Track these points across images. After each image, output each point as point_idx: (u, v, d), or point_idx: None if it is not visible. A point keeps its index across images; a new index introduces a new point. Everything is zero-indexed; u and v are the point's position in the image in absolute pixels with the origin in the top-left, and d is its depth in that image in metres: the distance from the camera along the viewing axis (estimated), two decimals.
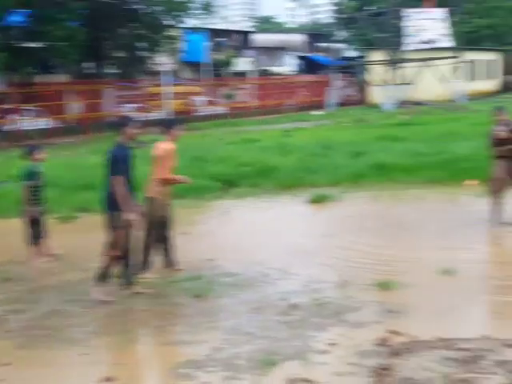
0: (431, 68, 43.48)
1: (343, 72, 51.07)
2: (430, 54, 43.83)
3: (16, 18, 28.93)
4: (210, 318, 6.81)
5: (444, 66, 43.96)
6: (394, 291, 7.32)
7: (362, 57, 58.53)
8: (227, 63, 53.58)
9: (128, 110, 31.97)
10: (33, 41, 30.65)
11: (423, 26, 43.18)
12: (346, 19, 56.88)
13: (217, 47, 55.11)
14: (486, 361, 5.33)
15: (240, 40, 58.35)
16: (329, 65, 51.58)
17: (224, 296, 7.53)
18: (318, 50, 70.46)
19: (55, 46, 30.28)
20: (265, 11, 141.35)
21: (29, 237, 9.12)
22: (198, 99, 39.54)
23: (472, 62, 51.84)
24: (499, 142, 10.28)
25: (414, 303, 6.89)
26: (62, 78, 36.90)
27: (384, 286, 7.41)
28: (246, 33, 66.43)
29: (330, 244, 9.80)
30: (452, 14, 46.13)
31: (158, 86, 36.12)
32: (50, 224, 9.57)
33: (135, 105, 34.04)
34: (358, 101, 54.32)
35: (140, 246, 7.96)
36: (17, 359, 5.95)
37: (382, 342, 5.81)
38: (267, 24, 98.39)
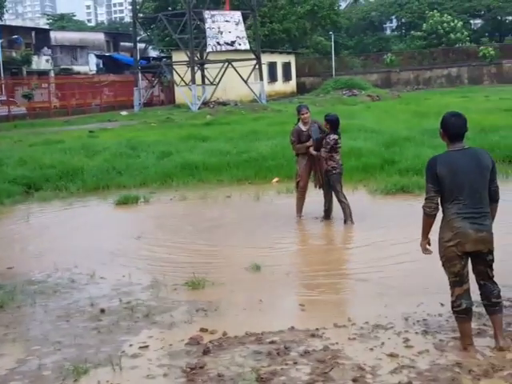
0: (233, 69, 44.50)
1: (148, 72, 50.91)
2: (231, 55, 44.87)
3: None
4: (14, 329, 6.45)
5: (245, 68, 45.20)
6: (204, 290, 7.37)
7: (167, 57, 58.75)
8: (24, 61, 51.26)
9: None
10: None
11: (223, 27, 44.03)
12: (145, 19, 56.62)
13: (11, 44, 52.46)
14: (293, 352, 5.52)
15: (38, 38, 56.01)
16: (132, 65, 51.12)
17: (28, 305, 7.17)
18: (122, 49, 69.67)
19: None
20: (62, 8, 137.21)
21: None
22: None
23: (270, 64, 53.86)
24: (298, 141, 10.71)
25: (225, 300, 6.98)
26: None
27: (194, 284, 7.45)
28: (44, 30, 63.99)
29: (138, 246, 9.70)
30: (247, 17, 47.54)
31: None
32: None
33: None
34: (165, 101, 54.49)
35: None
36: None
37: (193, 341, 5.83)
38: (64, 22, 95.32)
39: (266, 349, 5.60)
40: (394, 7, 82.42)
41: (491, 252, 5.31)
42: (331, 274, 7.91)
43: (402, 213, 10.77)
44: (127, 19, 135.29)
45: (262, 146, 17.85)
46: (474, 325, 5.59)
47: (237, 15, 45.73)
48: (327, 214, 10.70)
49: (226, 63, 44.80)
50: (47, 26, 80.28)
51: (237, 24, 45.10)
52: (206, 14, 44.10)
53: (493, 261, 5.35)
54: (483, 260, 5.30)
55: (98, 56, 64.49)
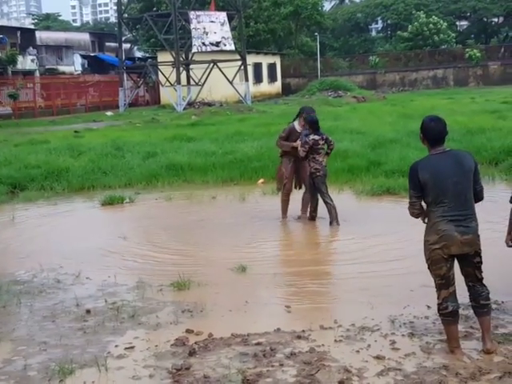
0: (218, 70, 44.48)
1: (133, 72, 50.80)
2: (216, 56, 44.85)
3: None
4: None
5: (230, 69, 45.20)
6: (190, 291, 7.35)
7: (152, 57, 58.63)
8: (9, 61, 50.92)
9: None
10: None
11: (208, 28, 43.99)
12: (130, 20, 56.48)
13: None
14: (279, 354, 5.50)
15: (23, 37, 55.66)
16: (117, 65, 50.95)
17: (13, 305, 7.12)
18: (107, 49, 69.44)
19: None
20: (47, 8, 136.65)
21: None
22: None
23: (255, 65, 53.91)
24: (286, 138, 10.65)
25: (211, 301, 6.95)
26: None
27: (180, 285, 7.42)
28: (29, 30, 63.59)
29: (123, 246, 9.65)
30: (233, 18, 47.54)
31: None
32: None
33: None
34: (150, 101, 54.39)
35: None
36: None
37: (179, 343, 5.81)
38: (50, 22, 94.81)
39: (251, 350, 5.59)
40: (379, 8, 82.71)
41: (478, 254, 5.32)
42: (317, 276, 7.91)
43: (388, 214, 10.80)
44: (112, 19, 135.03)
45: (247, 146, 17.84)
46: (461, 327, 5.60)
47: (222, 16, 45.69)
48: (313, 216, 10.69)
49: (212, 64, 44.77)
50: (32, 26, 79.84)
51: (222, 25, 45.08)
52: (192, 14, 44.02)
53: (481, 263, 5.36)
54: (470, 262, 5.32)
55: (83, 56, 64.24)
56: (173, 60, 43.35)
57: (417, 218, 5.49)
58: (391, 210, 11.03)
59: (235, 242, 9.67)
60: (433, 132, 5.30)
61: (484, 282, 5.43)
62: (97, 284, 7.79)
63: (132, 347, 5.81)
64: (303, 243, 9.97)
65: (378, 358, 5.35)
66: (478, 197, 5.38)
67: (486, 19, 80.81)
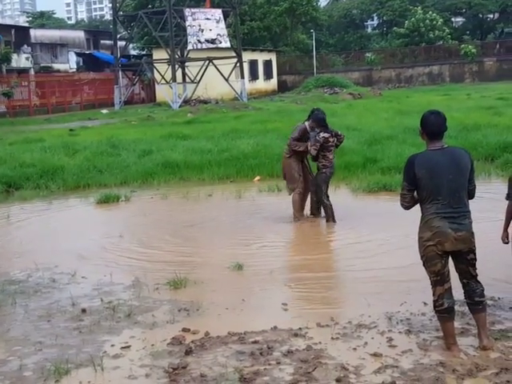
0: (214, 67, 44.42)
1: (128, 70, 50.70)
2: (212, 53, 44.78)
3: None
4: None
5: (226, 66, 45.13)
6: (186, 289, 7.33)
7: (147, 55, 58.52)
8: (4, 59, 50.79)
9: None
10: None
11: (203, 25, 43.91)
12: (125, 17, 56.38)
13: None
14: (276, 352, 5.49)
15: (17, 35, 55.52)
16: (112, 63, 50.83)
17: (9, 305, 7.09)
18: (102, 47, 69.33)
19: None
20: (42, 6, 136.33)
21: None
22: None
23: (251, 62, 53.86)
24: (299, 139, 10.50)
25: (207, 300, 6.94)
26: None
27: (176, 284, 7.40)
28: (23, 28, 63.44)
29: (119, 245, 9.63)
30: (228, 15, 47.49)
31: None
32: None
33: None
34: (145, 99, 54.31)
35: None
36: None
37: (176, 342, 5.79)
38: (44, 19, 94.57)
39: (248, 349, 5.57)
40: (375, 5, 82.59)
41: (472, 251, 5.31)
42: (314, 273, 7.89)
43: (385, 211, 10.78)
44: (107, 17, 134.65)
45: (243, 144, 17.82)
46: (457, 324, 5.59)
47: (217, 13, 45.62)
48: (320, 210, 10.62)
49: (207, 61, 44.68)
50: (27, 24, 79.58)
51: (217, 22, 44.99)
52: (187, 11, 43.93)
53: (475, 260, 5.35)
54: (464, 259, 5.31)
55: (78, 54, 64.12)
56: (168, 57, 43.27)
57: (407, 209, 5.53)
58: (387, 207, 11.01)
59: (232, 239, 9.65)
60: (432, 126, 5.28)
61: (480, 278, 5.42)
62: (92, 283, 7.76)
63: (128, 346, 5.79)
64: (299, 241, 9.95)
65: (375, 355, 5.34)
66: (469, 195, 5.39)
67: (481, 15, 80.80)
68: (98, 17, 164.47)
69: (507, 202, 6.17)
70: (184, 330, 6.06)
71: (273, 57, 62.57)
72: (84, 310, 6.78)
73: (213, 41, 44.34)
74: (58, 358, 5.54)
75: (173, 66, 42.80)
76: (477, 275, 5.39)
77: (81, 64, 62.79)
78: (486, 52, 63.18)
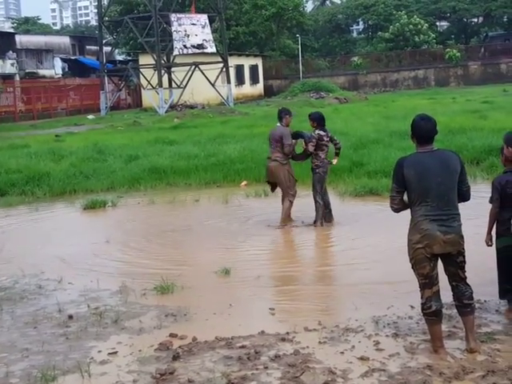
0: (200, 72, 44.40)
1: (114, 75, 50.58)
2: (198, 58, 44.76)
3: None
4: None
5: (212, 71, 45.12)
6: (173, 294, 7.32)
7: (133, 60, 58.41)
8: None
9: None
10: None
11: (189, 30, 43.90)
12: (110, 22, 56.25)
13: None
14: (263, 356, 5.49)
15: (2, 41, 55.21)
16: (98, 68, 50.68)
17: None
18: (88, 52, 69.12)
19: None
20: (27, 12, 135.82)
21: None
22: None
23: (237, 67, 53.89)
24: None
25: (195, 305, 6.92)
26: None
27: (163, 289, 7.38)
28: (8, 34, 63.09)
29: (106, 250, 9.59)
30: (214, 20, 47.50)
31: None
32: None
33: None
34: (131, 104, 54.19)
35: None
36: None
37: (163, 347, 5.77)
38: (29, 25, 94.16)
39: (236, 353, 5.56)
40: (359, 9, 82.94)
41: (462, 254, 5.33)
42: (301, 278, 7.90)
43: (371, 215, 10.81)
44: (93, 22, 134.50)
45: (229, 149, 17.82)
46: (444, 327, 5.61)
47: (203, 18, 45.64)
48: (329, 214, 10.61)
49: (193, 66, 44.67)
50: (12, 30, 79.27)
51: (203, 27, 45.02)
52: (173, 16, 43.92)
53: (464, 262, 5.37)
54: (453, 262, 5.33)
55: (63, 59, 63.82)
56: (154, 63, 43.23)
57: (396, 212, 5.52)
58: (375, 211, 11.04)
59: (219, 244, 9.63)
60: (422, 130, 5.31)
61: (467, 281, 5.44)
62: (79, 289, 7.73)
63: (115, 352, 5.77)
64: (287, 245, 9.95)
65: (362, 358, 5.35)
66: (465, 197, 5.41)
67: (465, 19, 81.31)
68: (84, 22, 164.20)
69: (490, 204, 6.22)
70: (171, 335, 6.05)
71: (259, 61, 62.63)
72: (71, 317, 6.74)
73: (199, 46, 44.34)
74: (45, 365, 5.51)
75: (159, 71, 42.75)
76: (466, 278, 5.41)
77: (66, 70, 62.51)
78: (470, 56, 63.60)
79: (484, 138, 16.62)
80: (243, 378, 5.10)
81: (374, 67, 65.41)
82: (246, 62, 58.96)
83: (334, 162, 10.72)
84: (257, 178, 14.38)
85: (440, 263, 5.37)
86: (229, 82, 47.24)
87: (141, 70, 47.65)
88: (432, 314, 5.31)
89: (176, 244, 9.89)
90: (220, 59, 46.43)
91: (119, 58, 70.47)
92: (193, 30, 44.23)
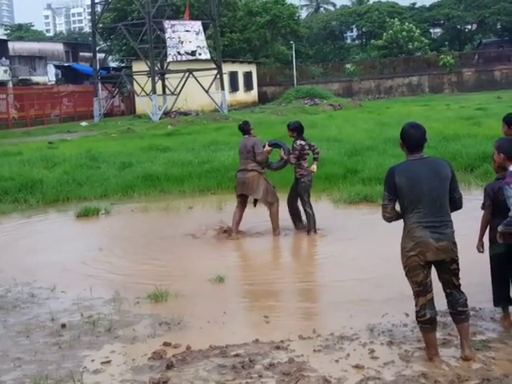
0: (194, 79, 44.41)
1: (108, 82, 50.55)
2: (192, 65, 44.78)
3: None
4: None
5: (206, 78, 45.14)
6: (167, 302, 7.28)
7: (127, 67, 58.39)
8: None
9: None
10: None
11: (183, 37, 43.93)
12: (104, 29, 56.26)
13: None
14: (258, 365, 5.46)
15: None
16: (92, 75, 50.65)
17: None
18: (81, 59, 69.09)
19: None
20: (20, 19, 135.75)
21: None
22: None
23: (231, 73, 53.93)
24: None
25: (188, 313, 6.89)
26: None
27: (157, 297, 7.34)
28: (1, 41, 63.02)
29: (99, 258, 9.54)
30: (208, 27, 47.55)
31: None
32: None
33: None
34: (125, 111, 54.17)
35: None
36: None
37: (157, 356, 5.73)
38: (23, 32, 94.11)
39: (230, 362, 5.53)
40: (353, 16, 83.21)
41: (455, 261, 5.31)
42: (296, 286, 7.87)
43: (366, 222, 10.79)
44: (86, 29, 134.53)
45: (223, 156, 17.79)
46: (439, 335, 5.59)
47: (197, 25, 45.68)
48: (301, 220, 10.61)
49: (187, 73, 44.68)
50: (5, 37, 79.21)
51: (197, 34, 45.05)
52: (166, 23, 43.95)
53: (458, 269, 5.35)
54: (447, 269, 5.31)
55: (56, 66, 63.77)
56: (148, 69, 43.23)
57: (388, 221, 5.48)
58: (369, 218, 11.02)
59: (213, 252, 9.61)
60: (411, 138, 5.31)
61: (461, 288, 5.42)
62: (72, 298, 7.68)
63: (109, 361, 5.73)
64: (281, 253, 9.93)
65: (357, 367, 5.32)
66: (457, 205, 5.39)
67: (459, 26, 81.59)
68: (77, 29, 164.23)
69: (482, 211, 6.22)
70: (165, 344, 6.01)
71: (253, 68, 62.70)
72: (64, 325, 6.70)
73: (193, 53, 44.36)
74: (38, 374, 5.47)
75: (153, 77, 42.75)
76: (460, 285, 5.39)
77: (60, 76, 62.46)
78: (464, 63, 63.80)
79: (478, 144, 16.63)
80: None
81: (368, 74, 65.55)
82: (240, 69, 59.03)
83: (314, 168, 10.61)
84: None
85: (434, 271, 5.35)
86: (223, 88, 47.26)
87: (134, 76, 47.62)
88: (426, 321, 5.29)
89: (170, 251, 9.85)
90: (214, 66, 46.46)
91: (113, 64, 70.40)
92: (187, 36, 44.25)
